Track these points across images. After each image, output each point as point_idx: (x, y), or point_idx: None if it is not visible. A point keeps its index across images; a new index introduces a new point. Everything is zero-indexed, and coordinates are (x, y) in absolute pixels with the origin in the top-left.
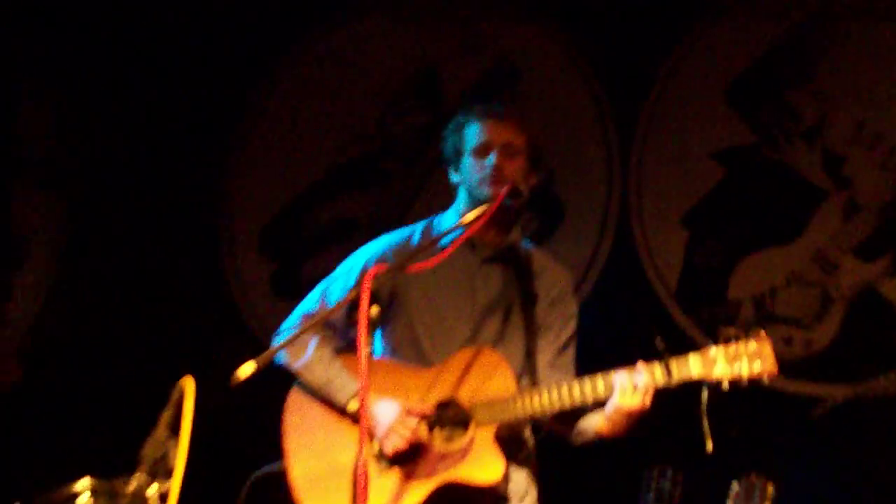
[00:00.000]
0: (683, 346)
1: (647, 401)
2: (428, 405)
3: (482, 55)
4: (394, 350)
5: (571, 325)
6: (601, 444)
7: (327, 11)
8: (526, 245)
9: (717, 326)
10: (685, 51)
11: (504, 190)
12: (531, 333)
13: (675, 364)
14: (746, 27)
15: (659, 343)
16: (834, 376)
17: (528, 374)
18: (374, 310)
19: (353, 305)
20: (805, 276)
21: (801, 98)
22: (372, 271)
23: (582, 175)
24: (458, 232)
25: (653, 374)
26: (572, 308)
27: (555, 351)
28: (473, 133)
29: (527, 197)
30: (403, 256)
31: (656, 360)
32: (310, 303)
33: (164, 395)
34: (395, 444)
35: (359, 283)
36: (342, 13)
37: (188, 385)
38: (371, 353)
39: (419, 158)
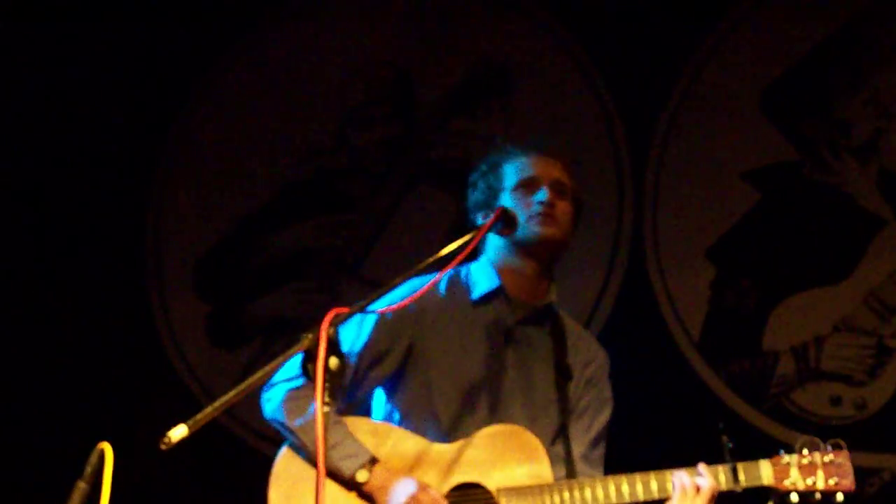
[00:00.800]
0: (706, 405)
1: None
2: (446, 487)
3: (463, 56)
4: (404, 416)
5: (606, 413)
6: None
7: (275, 4)
8: (556, 309)
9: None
10: (711, 51)
11: (496, 213)
12: (565, 415)
13: (742, 469)
14: (785, 24)
15: (725, 442)
16: (891, 444)
17: (562, 463)
18: (334, 361)
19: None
20: (857, 322)
21: (852, 108)
22: (330, 314)
23: (586, 200)
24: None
25: (717, 478)
26: (607, 392)
27: (588, 443)
28: (517, 168)
29: (567, 241)
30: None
31: (720, 462)
32: None
33: (79, 463)
34: None
35: (315, 332)
36: (293, 5)
37: (106, 452)
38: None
39: (388, 178)
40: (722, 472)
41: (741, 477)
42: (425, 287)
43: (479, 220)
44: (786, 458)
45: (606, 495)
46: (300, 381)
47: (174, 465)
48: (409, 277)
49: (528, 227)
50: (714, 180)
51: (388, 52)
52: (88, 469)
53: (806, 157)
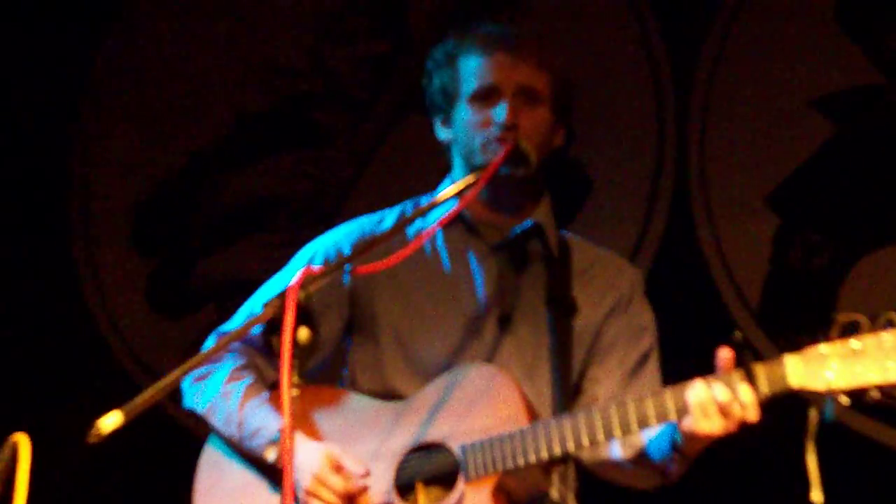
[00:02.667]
0: None
1: (732, 426)
2: (398, 451)
3: None
4: (353, 380)
5: (645, 342)
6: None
7: None
8: (562, 233)
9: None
10: None
11: (502, 153)
12: (564, 360)
13: (762, 369)
14: None
15: (737, 336)
16: None
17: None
18: (304, 333)
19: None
20: None
21: None
22: (300, 276)
23: (618, 135)
24: (436, 213)
25: (729, 386)
26: (642, 317)
27: (619, 380)
28: (472, 70)
29: (536, 164)
30: (357, 252)
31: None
32: (233, 321)
33: None
34: None
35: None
36: None
37: (22, 444)
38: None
39: (373, 106)
40: (737, 378)
41: (760, 380)
42: (413, 243)
43: (438, 127)
44: (822, 347)
45: (604, 424)
46: (239, 360)
47: (106, 460)
48: (399, 229)
49: (483, 153)
50: (776, 109)
51: None
52: (0, 464)
53: (892, 80)
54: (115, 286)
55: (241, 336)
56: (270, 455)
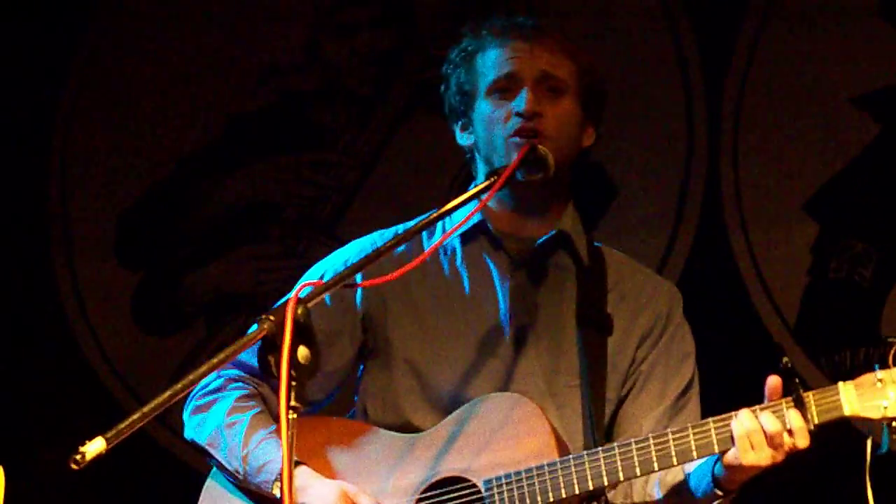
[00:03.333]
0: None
1: (780, 456)
2: (416, 487)
3: None
4: (363, 410)
5: (686, 371)
6: None
7: None
8: (594, 243)
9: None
10: None
11: (518, 154)
12: (597, 387)
13: (813, 397)
14: None
15: (785, 362)
16: None
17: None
18: (304, 352)
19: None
20: None
21: None
22: (299, 289)
23: (644, 137)
24: (449, 222)
25: (779, 416)
26: (683, 343)
27: (660, 416)
28: (490, 62)
29: (562, 163)
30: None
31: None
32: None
33: None
34: None
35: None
36: None
37: None
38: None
39: (376, 104)
40: (786, 406)
41: (811, 409)
42: (427, 252)
43: (458, 133)
44: (880, 374)
45: (641, 459)
46: (244, 390)
47: (89, 487)
48: (406, 239)
49: (505, 157)
50: (816, 107)
51: None
52: None
53: None
54: (97, 302)
55: (232, 356)
56: (277, 491)
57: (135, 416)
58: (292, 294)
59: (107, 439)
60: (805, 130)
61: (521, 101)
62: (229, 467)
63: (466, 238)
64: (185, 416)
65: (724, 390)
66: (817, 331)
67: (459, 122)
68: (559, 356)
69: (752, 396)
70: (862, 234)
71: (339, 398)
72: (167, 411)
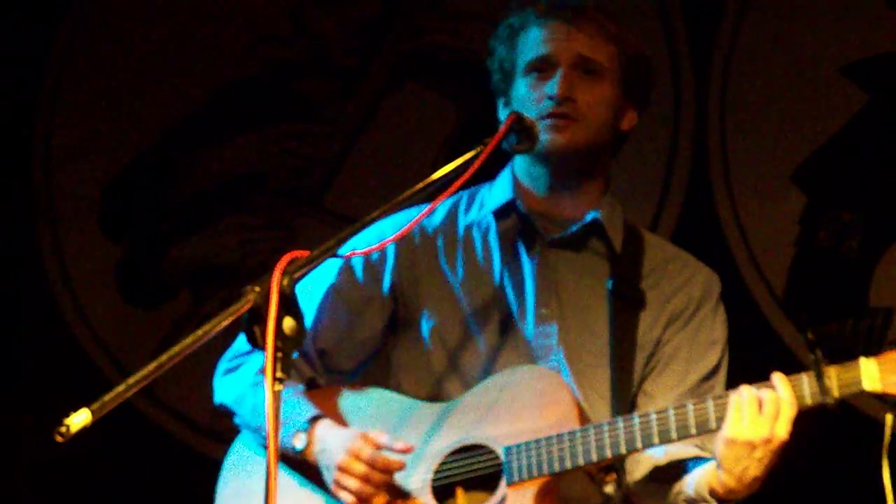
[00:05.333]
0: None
1: (783, 430)
2: (438, 453)
3: None
4: (396, 382)
5: (713, 357)
6: None
7: None
8: (635, 229)
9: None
10: None
11: (507, 121)
12: (624, 366)
13: (834, 373)
14: None
15: (809, 336)
16: None
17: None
18: (289, 323)
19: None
20: None
21: None
22: (284, 259)
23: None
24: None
25: (798, 387)
26: (714, 329)
27: (678, 398)
28: (529, 42)
29: (598, 143)
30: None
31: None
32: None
33: None
34: (344, 499)
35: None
36: None
37: None
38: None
39: (363, 74)
40: (806, 380)
41: (831, 383)
42: (417, 218)
43: (500, 108)
44: None
45: (644, 431)
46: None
47: (73, 461)
48: (392, 210)
49: (537, 132)
50: (803, 77)
51: None
52: None
53: None
54: (81, 273)
55: (218, 327)
56: (298, 443)
57: (120, 388)
58: (277, 264)
59: (92, 411)
60: (793, 100)
61: (554, 85)
62: (253, 424)
63: (499, 215)
64: (216, 380)
65: None
66: (804, 300)
67: (502, 99)
68: (587, 337)
69: (740, 365)
70: (850, 205)
71: (368, 369)
72: (153, 384)
